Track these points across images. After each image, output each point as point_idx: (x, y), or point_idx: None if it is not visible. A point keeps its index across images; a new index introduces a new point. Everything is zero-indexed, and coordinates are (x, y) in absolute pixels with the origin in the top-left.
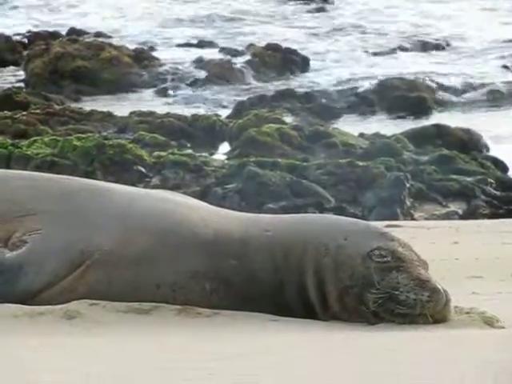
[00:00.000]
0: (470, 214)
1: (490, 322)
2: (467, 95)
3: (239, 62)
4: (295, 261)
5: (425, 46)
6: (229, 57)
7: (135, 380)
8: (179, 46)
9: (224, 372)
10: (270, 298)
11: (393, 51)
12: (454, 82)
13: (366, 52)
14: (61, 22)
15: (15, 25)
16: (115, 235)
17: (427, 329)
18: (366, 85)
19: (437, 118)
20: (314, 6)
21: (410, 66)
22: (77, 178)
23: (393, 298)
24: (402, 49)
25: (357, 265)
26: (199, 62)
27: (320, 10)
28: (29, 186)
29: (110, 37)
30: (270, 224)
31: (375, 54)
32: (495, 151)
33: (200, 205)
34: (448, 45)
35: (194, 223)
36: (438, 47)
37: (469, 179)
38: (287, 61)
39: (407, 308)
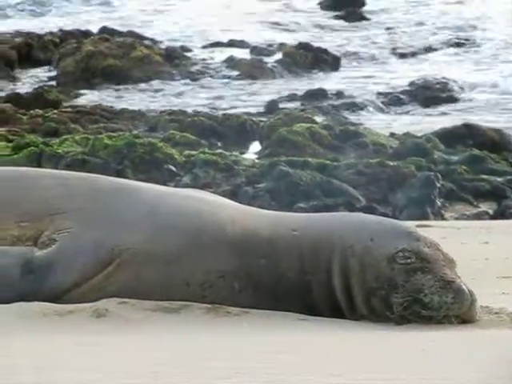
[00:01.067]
0: (501, 215)
1: None
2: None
3: (270, 61)
4: (323, 261)
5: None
6: (260, 56)
7: (163, 379)
8: (212, 45)
9: (252, 371)
10: (298, 298)
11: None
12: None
13: (396, 53)
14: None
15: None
16: (144, 234)
17: (457, 328)
18: (398, 84)
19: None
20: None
21: (440, 66)
22: (106, 177)
23: (417, 300)
24: (432, 49)
25: (382, 267)
26: (230, 61)
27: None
28: (58, 185)
29: (142, 36)
30: (298, 223)
31: (404, 54)
32: None
33: (228, 203)
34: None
35: (223, 222)
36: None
37: (499, 179)
38: (318, 60)
39: (432, 310)
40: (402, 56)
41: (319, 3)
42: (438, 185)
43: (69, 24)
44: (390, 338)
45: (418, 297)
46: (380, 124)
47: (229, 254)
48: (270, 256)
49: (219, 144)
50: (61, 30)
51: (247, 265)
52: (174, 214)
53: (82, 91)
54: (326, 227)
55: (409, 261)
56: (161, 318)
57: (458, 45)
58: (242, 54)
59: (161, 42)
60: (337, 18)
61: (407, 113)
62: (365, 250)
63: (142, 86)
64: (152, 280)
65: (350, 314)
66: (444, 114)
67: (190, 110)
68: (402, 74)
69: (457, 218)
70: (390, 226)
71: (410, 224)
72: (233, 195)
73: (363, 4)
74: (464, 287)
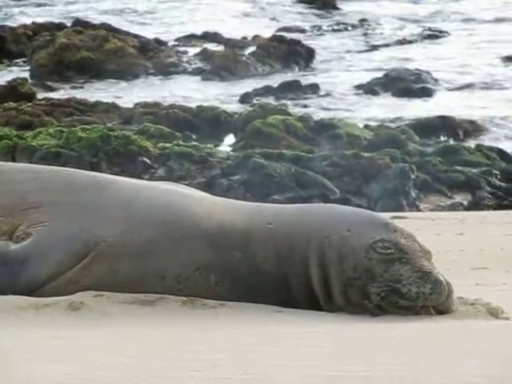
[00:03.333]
0: (475, 206)
1: (494, 313)
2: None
3: (244, 53)
4: (299, 253)
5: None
6: (234, 49)
7: (139, 371)
8: (185, 37)
9: (229, 363)
10: (275, 290)
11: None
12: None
13: (369, 45)
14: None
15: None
16: (120, 227)
17: (434, 320)
18: (370, 76)
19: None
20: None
21: (414, 57)
22: (80, 171)
23: (395, 290)
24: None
25: (360, 257)
26: (204, 54)
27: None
28: (33, 179)
29: (116, 29)
30: (274, 216)
31: (377, 46)
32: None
33: (203, 196)
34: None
35: (198, 215)
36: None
37: (474, 170)
38: (292, 52)
39: (410, 301)
40: (376, 48)
41: None
42: (413, 176)
43: (42, 16)
44: (367, 329)
45: (395, 287)
46: (354, 115)
47: (204, 247)
48: (246, 249)
49: (194, 136)
50: (34, 23)
51: (223, 258)
52: (150, 208)
53: (56, 84)
54: (301, 219)
55: (388, 251)
56: (137, 310)
57: (430, 37)
58: (216, 46)
59: (135, 34)
60: (310, 8)
61: (381, 103)
62: (342, 241)
63: (116, 78)
64: (127, 273)
65: (327, 306)
66: (418, 104)
67: (164, 103)
68: (376, 66)
69: (431, 210)
70: (366, 216)
71: (386, 216)
72: (207, 187)
73: None
74: (441, 278)
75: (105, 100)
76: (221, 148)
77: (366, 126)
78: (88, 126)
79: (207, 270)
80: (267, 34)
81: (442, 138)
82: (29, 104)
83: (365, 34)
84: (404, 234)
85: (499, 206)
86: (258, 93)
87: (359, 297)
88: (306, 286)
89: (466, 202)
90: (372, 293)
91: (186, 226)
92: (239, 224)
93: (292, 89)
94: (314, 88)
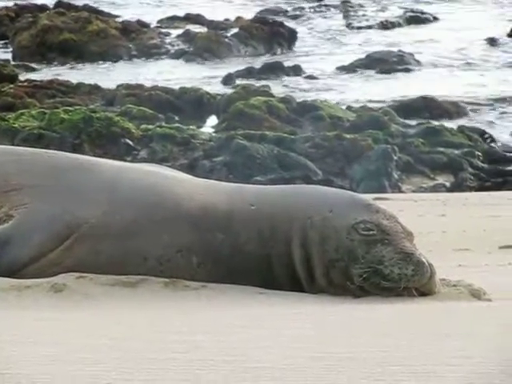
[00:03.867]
0: (458, 187)
1: (477, 295)
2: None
3: (227, 34)
4: (281, 234)
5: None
6: (216, 30)
7: (121, 352)
8: (168, 18)
9: (211, 345)
10: (257, 272)
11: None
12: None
13: (351, 26)
14: None
15: None
16: (102, 208)
17: (416, 301)
18: (352, 58)
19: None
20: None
21: (395, 40)
22: (63, 153)
23: (377, 272)
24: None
25: (342, 238)
26: (187, 36)
27: None
28: (15, 161)
29: (98, 11)
30: (256, 197)
31: (360, 28)
32: None
33: (185, 177)
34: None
35: (180, 196)
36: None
37: (456, 152)
38: (275, 34)
39: (392, 282)
40: (359, 29)
41: None
42: (395, 157)
43: None
44: (349, 311)
45: (378, 268)
46: (336, 96)
47: (186, 228)
48: (228, 230)
49: (176, 118)
50: (16, 4)
51: (205, 239)
52: (132, 189)
53: (38, 65)
54: (284, 200)
55: (370, 232)
56: (119, 292)
57: (413, 18)
58: (199, 28)
59: (117, 15)
60: None
61: (363, 84)
62: (324, 222)
63: (99, 60)
64: (109, 254)
65: (309, 287)
66: (400, 85)
67: (146, 84)
68: (359, 48)
69: (414, 191)
70: (348, 197)
71: (368, 197)
72: (190, 169)
73: None
74: (424, 260)
75: (87, 82)
76: (203, 129)
77: (349, 108)
78: (70, 108)
79: (189, 251)
80: (250, 15)
81: (424, 120)
82: (11, 86)
83: (347, 16)
84: (386, 215)
85: (481, 188)
86: (241, 74)
87: (341, 278)
88: (288, 267)
89: (448, 184)
90: (354, 274)
91: (167, 208)
92: (221, 205)
93: (274, 70)
94: (296, 69)
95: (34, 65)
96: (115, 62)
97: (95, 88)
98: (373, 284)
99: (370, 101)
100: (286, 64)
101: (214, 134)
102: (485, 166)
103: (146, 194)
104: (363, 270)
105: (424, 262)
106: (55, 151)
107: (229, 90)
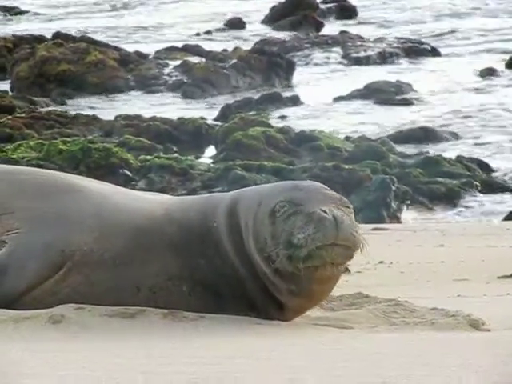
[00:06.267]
0: (456, 217)
1: (475, 325)
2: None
3: (225, 65)
4: (242, 251)
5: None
6: (214, 61)
7: None
8: (166, 49)
9: (209, 376)
10: (240, 295)
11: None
12: None
13: (350, 58)
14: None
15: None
16: (93, 235)
17: (413, 331)
18: (350, 88)
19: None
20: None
21: (394, 70)
22: (53, 173)
23: (292, 245)
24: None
25: (266, 227)
26: (185, 66)
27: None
28: (4, 181)
29: (96, 41)
30: (214, 212)
31: (358, 58)
32: None
33: (160, 198)
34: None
35: (161, 222)
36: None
37: (454, 182)
38: (272, 64)
39: (302, 248)
40: (357, 59)
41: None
42: (394, 188)
43: (22, 29)
44: (348, 340)
45: (289, 241)
46: (335, 127)
47: (171, 255)
48: (206, 255)
49: (174, 148)
50: (14, 35)
51: (189, 266)
52: (120, 214)
53: (37, 97)
54: (233, 209)
55: (283, 210)
56: (117, 323)
57: (413, 51)
58: (197, 58)
59: (115, 47)
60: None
61: (362, 114)
62: (254, 220)
63: (97, 90)
64: (103, 284)
65: (280, 295)
66: (398, 115)
67: (144, 115)
68: (357, 78)
69: (412, 221)
70: (279, 185)
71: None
72: None
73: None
74: (326, 214)
75: (85, 112)
76: (202, 160)
77: (347, 138)
78: (69, 139)
79: (178, 279)
80: (248, 46)
81: (423, 150)
82: (9, 117)
83: (345, 47)
84: (310, 189)
85: (479, 218)
86: (239, 105)
87: (282, 267)
88: (257, 283)
89: (446, 214)
90: (282, 257)
91: (153, 235)
92: (195, 228)
93: (272, 101)
94: (294, 100)
95: (32, 96)
96: (113, 92)
97: (93, 119)
98: (296, 259)
99: (368, 131)
100: (284, 94)
101: (212, 165)
102: (483, 195)
103: (133, 219)
104: (285, 251)
105: (325, 216)
106: (46, 171)
107: (227, 121)
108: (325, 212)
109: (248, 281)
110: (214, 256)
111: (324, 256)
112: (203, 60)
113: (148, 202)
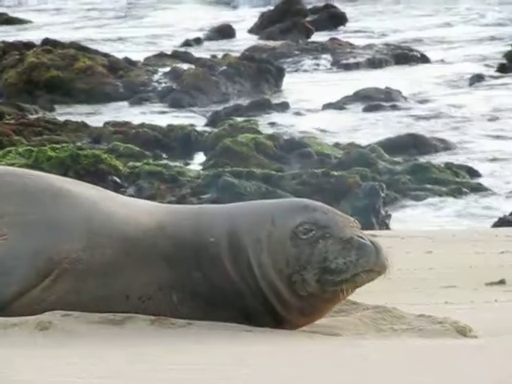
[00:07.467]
0: (446, 224)
1: (462, 332)
2: None
3: (214, 72)
4: (243, 267)
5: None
6: (204, 68)
7: None
8: (155, 56)
9: (196, 382)
10: (235, 307)
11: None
12: None
13: (340, 64)
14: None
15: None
16: (82, 243)
17: (401, 338)
18: (339, 95)
19: None
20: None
21: (383, 77)
22: (41, 175)
23: (326, 269)
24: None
25: (287, 248)
26: (174, 73)
27: None
28: None
29: (85, 48)
30: (213, 228)
31: (348, 65)
32: None
33: (151, 206)
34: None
35: (153, 232)
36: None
37: (444, 189)
38: (262, 71)
39: (341, 273)
40: (346, 66)
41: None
42: (383, 194)
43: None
44: (335, 347)
45: (325, 266)
46: (324, 134)
47: (162, 266)
48: (200, 268)
49: (164, 155)
50: (3, 42)
51: (181, 277)
52: (110, 222)
53: (25, 103)
54: (233, 226)
55: (310, 234)
56: (105, 330)
57: (403, 57)
58: (186, 65)
59: (104, 53)
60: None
61: (351, 121)
62: (270, 239)
63: (86, 97)
64: (92, 292)
65: (287, 312)
66: (388, 122)
67: (134, 122)
68: (346, 85)
69: (401, 228)
70: (287, 204)
71: (307, 200)
72: None
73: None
74: (364, 240)
75: (74, 119)
76: (191, 167)
77: (336, 145)
78: (57, 145)
79: (169, 289)
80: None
81: (412, 157)
82: None
83: (334, 53)
84: (325, 210)
85: (468, 224)
86: (228, 111)
87: (304, 290)
88: (260, 298)
89: (435, 220)
90: (310, 281)
91: (144, 245)
92: (189, 242)
93: (262, 107)
94: (283, 106)
95: (20, 102)
96: (102, 99)
97: (82, 125)
98: (328, 283)
99: (358, 138)
100: (274, 101)
101: (201, 172)
102: (472, 202)
103: (124, 229)
104: (314, 273)
105: (365, 242)
106: (35, 173)
107: (216, 128)
108: (362, 238)
109: (246, 296)
110: (210, 270)
111: (359, 282)
112: (193, 67)
113: (138, 210)
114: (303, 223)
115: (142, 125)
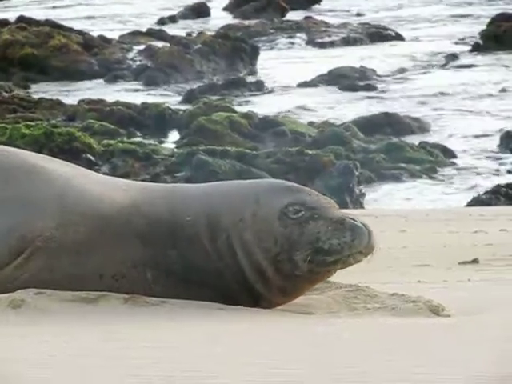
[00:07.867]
0: (418, 203)
1: (435, 311)
2: None
3: (189, 50)
4: (223, 246)
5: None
6: (179, 46)
7: (82, 369)
8: (130, 34)
9: (170, 360)
10: (212, 285)
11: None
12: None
13: (315, 43)
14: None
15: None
16: (55, 221)
17: (373, 317)
18: (314, 73)
19: None
20: None
21: (358, 56)
22: (17, 152)
23: (319, 250)
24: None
25: (275, 228)
26: (149, 50)
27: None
28: None
29: (60, 25)
30: (190, 207)
31: (323, 44)
32: None
33: (127, 184)
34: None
35: (127, 211)
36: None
37: (417, 167)
38: (237, 49)
39: (335, 254)
40: (321, 45)
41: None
42: (357, 173)
43: None
44: (309, 326)
45: (317, 246)
46: (298, 112)
47: (138, 244)
48: (176, 246)
49: (138, 133)
50: None
51: (156, 255)
52: (83, 200)
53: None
54: (214, 207)
55: (300, 214)
56: (78, 308)
57: (377, 36)
58: (161, 43)
59: (79, 31)
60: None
61: (324, 100)
62: (254, 218)
63: (60, 75)
64: (65, 270)
65: (267, 291)
66: (362, 100)
67: (108, 99)
68: (321, 63)
69: (375, 206)
70: (268, 184)
71: (286, 181)
72: None
73: None
74: (357, 222)
75: (49, 97)
76: (165, 145)
77: (311, 123)
78: (32, 123)
79: (143, 267)
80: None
81: (386, 135)
82: None
83: (309, 32)
84: (307, 191)
85: (442, 203)
86: (203, 90)
87: (289, 268)
88: (240, 277)
89: (410, 199)
90: (298, 261)
91: (118, 223)
92: (164, 222)
93: (237, 86)
94: (258, 85)
95: None
96: (77, 76)
97: (57, 103)
98: (319, 263)
99: (332, 116)
100: (248, 79)
101: (175, 150)
102: (446, 181)
103: (97, 207)
104: (305, 254)
105: (358, 224)
106: (9, 149)
107: (191, 106)
108: (353, 220)
109: (224, 274)
110: (187, 248)
111: (350, 262)
112: (167, 45)
113: (112, 187)
114: (292, 203)
115: (117, 102)
